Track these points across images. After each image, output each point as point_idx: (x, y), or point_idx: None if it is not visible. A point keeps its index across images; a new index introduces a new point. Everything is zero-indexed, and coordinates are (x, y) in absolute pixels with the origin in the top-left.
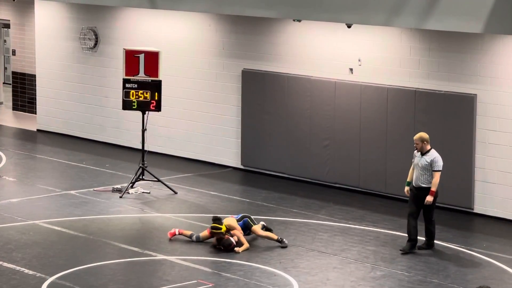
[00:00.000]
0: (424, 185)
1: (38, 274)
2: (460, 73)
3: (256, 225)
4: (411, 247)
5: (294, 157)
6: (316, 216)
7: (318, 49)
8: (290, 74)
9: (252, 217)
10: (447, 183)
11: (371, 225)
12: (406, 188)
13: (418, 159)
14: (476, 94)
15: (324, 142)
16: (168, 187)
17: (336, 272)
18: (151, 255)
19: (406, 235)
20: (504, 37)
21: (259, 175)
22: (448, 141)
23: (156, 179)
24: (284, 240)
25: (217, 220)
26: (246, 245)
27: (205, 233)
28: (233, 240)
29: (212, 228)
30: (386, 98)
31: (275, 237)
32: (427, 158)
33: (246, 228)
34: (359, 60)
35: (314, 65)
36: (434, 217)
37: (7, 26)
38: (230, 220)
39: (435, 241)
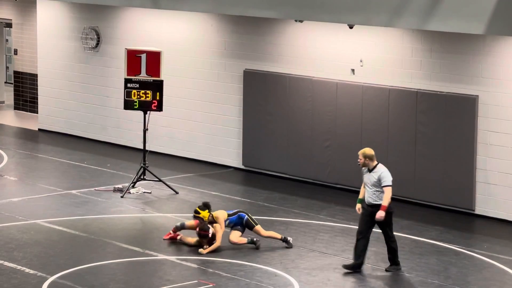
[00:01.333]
0: (376, 203)
1: (39, 274)
2: (462, 74)
3: (258, 226)
4: (354, 267)
5: (296, 157)
6: (317, 216)
7: (319, 49)
8: (292, 74)
9: (250, 215)
10: (448, 184)
11: None
12: (358, 206)
13: (367, 177)
14: (477, 96)
15: (326, 143)
16: (169, 187)
17: (337, 273)
18: (152, 255)
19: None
20: (506, 39)
21: (260, 176)
22: (449, 142)
23: (157, 179)
24: (288, 239)
25: (203, 206)
26: (217, 244)
27: (191, 222)
28: (211, 231)
29: (194, 211)
30: (387, 99)
31: (279, 236)
32: (375, 174)
33: (243, 224)
34: (361, 61)
35: (315, 65)
36: (393, 234)
37: (9, 25)
38: (220, 214)
39: (442, 244)
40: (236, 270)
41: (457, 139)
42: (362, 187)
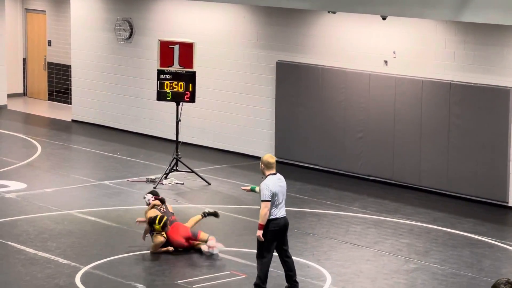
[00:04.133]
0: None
1: (73, 264)
2: (495, 66)
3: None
4: None
5: (328, 149)
6: (349, 208)
7: (352, 41)
8: (325, 66)
9: None
10: (481, 177)
11: (405, 218)
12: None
13: None
14: (511, 87)
15: (358, 135)
16: (202, 178)
17: (369, 265)
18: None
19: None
20: None
21: (292, 167)
22: (482, 134)
23: (189, 170)
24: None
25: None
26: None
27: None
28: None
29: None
30: (420, 90)
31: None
32: (260, 185)
33: None
34: (394, 52)
35: (348, 57)
36: (261, 258)
37: None
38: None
39: (475, 236)
40: None
41: (491, 131)
42: None
